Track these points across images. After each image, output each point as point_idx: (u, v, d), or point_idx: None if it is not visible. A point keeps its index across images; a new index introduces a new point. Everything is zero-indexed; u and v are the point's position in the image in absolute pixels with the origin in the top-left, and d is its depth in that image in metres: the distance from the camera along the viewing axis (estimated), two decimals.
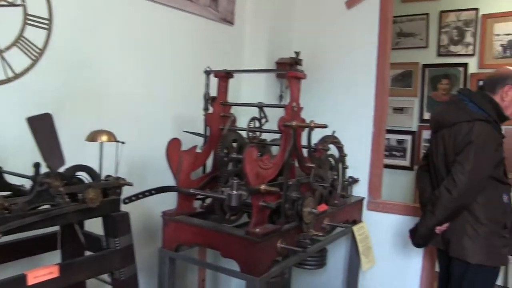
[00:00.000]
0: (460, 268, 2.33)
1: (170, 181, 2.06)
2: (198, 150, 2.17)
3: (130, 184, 1.70)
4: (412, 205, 3.18)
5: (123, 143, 1.72)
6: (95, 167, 1.64)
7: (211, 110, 2.28)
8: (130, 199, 1.85)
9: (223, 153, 2.21)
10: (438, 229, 2.33)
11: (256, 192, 1.81)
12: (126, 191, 1.79)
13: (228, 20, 2.85)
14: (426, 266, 2.96)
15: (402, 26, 4.61)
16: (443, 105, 2.54)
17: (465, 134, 2.25)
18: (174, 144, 2.02)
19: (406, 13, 4.56)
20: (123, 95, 2.24)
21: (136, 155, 2.28)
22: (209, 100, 2.28)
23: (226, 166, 2.22)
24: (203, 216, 2.14)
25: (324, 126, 2.09)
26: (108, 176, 1.70)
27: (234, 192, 1.78)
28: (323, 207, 2.33)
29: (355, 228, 2.76)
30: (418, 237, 2.41)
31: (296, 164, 2.19)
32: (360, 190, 3.09)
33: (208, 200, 2.28)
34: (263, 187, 1.82)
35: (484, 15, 4.30)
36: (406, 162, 4.74)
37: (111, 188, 1.66)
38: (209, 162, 2.25)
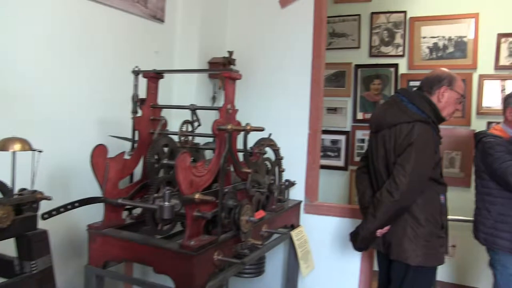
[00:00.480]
0: (400, 270, 2.32)
1: (96, 191, 1.89)
2: (126, 157, 2.01)
3: (48, 198, 1.52)
4: (349, 206, 3.17)
5: (40, 151, 1.54)
6: (7, 180, 1.45)
7: (140, 113, 2.13)
8: (50, 214, 1.66)
9: (153, 159, 2.06)
10: (379, 232, 2.31)
11: (190, 201, 1.69)
12: (47, 206, 1.60)
13: (158, 17, 2.69)
14: (364, 267, 2.95)
15: (334, 26, 4.64)
16: (383, 105, 2.52)
17: (406, 135, 2.24)
18: (99, 151, 1.85)
19: (338, 14, 4.60)
20: (41, 98, 2.01)
21: (58, 164, 2.07)
22: (137, 102, 2.13)
23: (157, 173, 2.08)
24: (134, 227, 1.98)
25: (261, 129, 2.01)
26: (23, 189, 1.51)
27: (166, 203, 1.64)
28: (260, 213, 2.24)
29: (294, 233, 2.70)
30: (360, 241, 2.37)
31: (232, 169, 2.09)
32: (297, 193, 3.04)
33: (139, 209, 2.12)
34: (197, 196, 1.70)
35: (412, 17, 4.41)
36: (340, 162, 4.76)
37: (26, 204, 1.47)
38: (139, 169, 2.09)
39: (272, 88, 3.15)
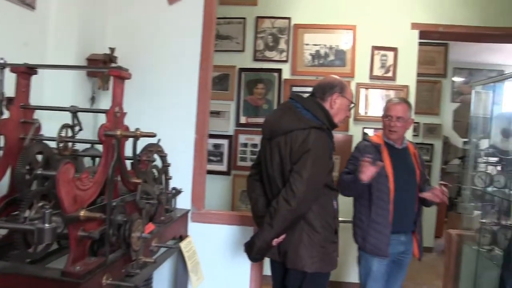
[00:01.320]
0: (297, 278, 2.30)
1: None
2: None
3: None
4: (238, 213, 3.09)
5: None
6: None
7: (6, 114, 1.79)
8: None
9: (25, 170, 1.74)
10: (275, 241, 2.24)
11: (75, 220, 1.44)
12: None
13: (27, 2, 2.33)
14: (254, 275, 2.89)
15: (219, 28, 4.53)
16: (277, 112, 2.47)
17: (302, 142, 2.20)
18: None
19: (223, 15, 4.50)
20: None
21: None
22: (3, 101, 1.79)
23: (29, 185, 1.76)
24: None
25: (153, 135, 1.83)
26: None
27: (47, 225, 1.36)
28: (149, 227, 2.04)
29: (183, 244, 2.53)
30: (256, 251, 2.28)
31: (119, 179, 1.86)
32: (183, 201, 2.84)
33: (3, 230, 1.78)
34: (83, 213, 1.47)
35: (296, 24, 4.49)
36: (223, 167, 4.68)
37: None
38: (5, 181, 1.75)
39: (157, 90, 2.92)
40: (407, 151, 2.90)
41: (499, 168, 3.48)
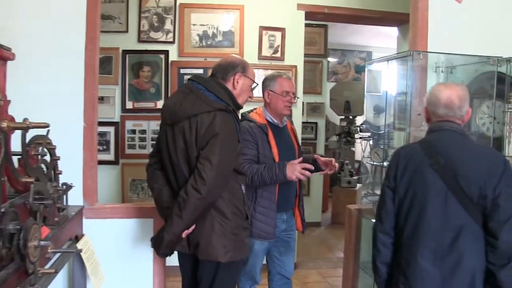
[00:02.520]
0: (210, 269, 2.20)
1: None
2: None
3: None
4: (135, 206, 2.87)
5: None
6: None
7: None
8: None
9: None
10: (185, 232, 2.11)
11: None
12: None
13: None
14: (157, 268, 2.76)
15: None
16: (177, 95, 2.29)
17: (208, 126, 2.08)
18: None
19: None
20: None
21: None
22: None
23: None
24: None
25: (46, 126, 1.61)
26: None
27: None
28: (44, 231, 1.79)
29: (80, 245, 2.29)
30: (165, 246, 2.12)
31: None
32: (74, 197, 2.57)
33: None
34: None
35: (182, 4, 4.30)
36: (110, 156, 4.39)
37: None
38: None
39: (35, 74, 2.57)
40: (286, 128, 2.88)
41: (371, 142, 3.62)
